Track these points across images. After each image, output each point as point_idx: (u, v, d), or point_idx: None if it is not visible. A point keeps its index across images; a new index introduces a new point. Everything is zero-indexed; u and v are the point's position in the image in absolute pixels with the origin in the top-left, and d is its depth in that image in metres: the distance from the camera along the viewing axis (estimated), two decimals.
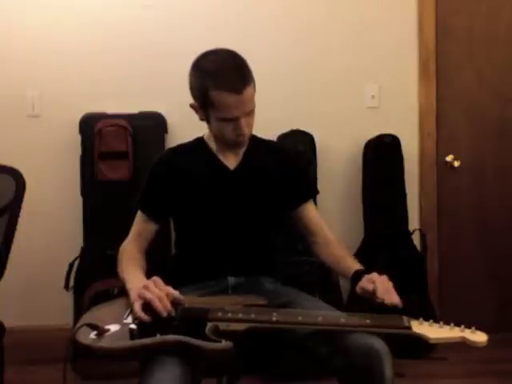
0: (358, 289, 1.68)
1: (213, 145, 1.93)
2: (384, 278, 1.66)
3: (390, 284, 1.64)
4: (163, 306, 1.54)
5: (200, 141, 1.98)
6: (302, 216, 1.96)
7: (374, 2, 3.23)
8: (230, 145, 1.87)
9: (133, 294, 1.61)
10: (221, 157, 1.92)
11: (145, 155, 2.96)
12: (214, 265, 1.88)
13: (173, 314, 1.55)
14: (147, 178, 1.95)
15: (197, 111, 1.84)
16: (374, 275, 1.67)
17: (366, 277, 1.68)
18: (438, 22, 3.22)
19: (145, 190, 1.95)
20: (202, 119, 1.86)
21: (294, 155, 2.14)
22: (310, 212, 1.97)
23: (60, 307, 3.00)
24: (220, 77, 1.73)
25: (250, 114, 1.80)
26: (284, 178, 1.95)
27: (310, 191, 2.02)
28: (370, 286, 1.63)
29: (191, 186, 1.89)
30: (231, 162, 1.92)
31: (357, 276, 1.72)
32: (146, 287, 1.58)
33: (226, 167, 1.91)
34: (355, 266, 1.79)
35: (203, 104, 1.79)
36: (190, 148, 1.98)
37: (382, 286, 1.61)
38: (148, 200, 1.94)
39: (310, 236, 1.97)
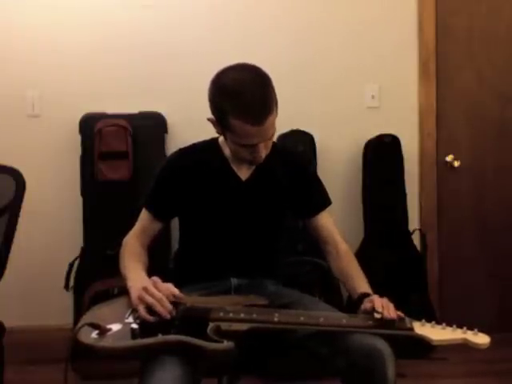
0: (360, 312, 1.67)
1: (227, 151, 1.88)
2: (384, 299, 1.66)
3: (391, 304, 1.63)
4: (165, 309, 1.55)
5: (214, 143, 1.93)
6: (315, 225, 1.96)
7: (374, 2, 3.22)
8: (244, 162, 1.85)
9: (133, 294, 1.62)
10: (234, 166, 1.89)
11: (145, 155, 2.96)
12: (217, 266, 1.88)
13: (173, 314, 1.55)
14: (156, 177, 1.92)
15: (214, 126, 1.78)
16: (374, 296, 1.68)
17: (367, 299, 1.68)
18: (438, 21, 3.22)
19: (153, 190, 1.92)
20: (218, 133, 1.82)
21: (309, 165, 2.10)
22: (323, 222, 1.95)
23: (60, 307, 2.99)
24: (241, 106, 1.64)
25: (270, 137, 1.75)
26: (297, 190, 1.94)
27: (323, 202, 1.98)
28: (368, 306, 1.63)
29: (201, 190, 1.87)
30: (244, 172, 1.89)
31: (359, 300, 1.71)
32: (145, 289, 1.58)
33: (238, 177, 1.89)
34: (361, 287, 1.77)
35: (221, 124, 1.73)
36: (203, 150, 1.94)
37: (379, 304, 1.61)
38: (155, 200, 1.92)
39: (321, 244, 1.97)
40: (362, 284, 1.79)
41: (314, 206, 1.96)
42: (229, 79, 1.70)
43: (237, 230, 1.88)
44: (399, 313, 1.60)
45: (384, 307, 1.59)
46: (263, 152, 1.76)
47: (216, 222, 1.88)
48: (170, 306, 1.56)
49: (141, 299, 1.57)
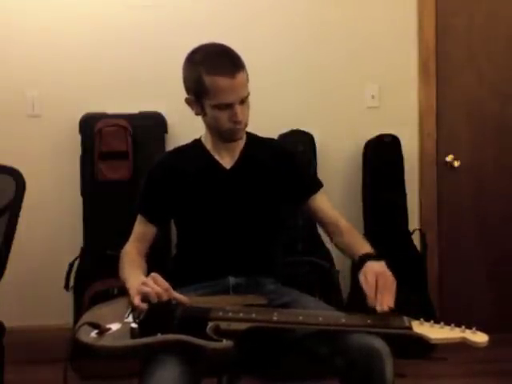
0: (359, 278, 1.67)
1: (209, 145, 1.93)
2: (379, 274, 1.63)
3: (388, 279, 1.62)
4: (159, 299, 1.56)
5: (197, 142, 1.98)
6: (311, 209, 1.96)
7: (374, 1, 3.22)
8: (226, 136, 1.86)
9: (132, 292, 1.62)
10: (217, 156, 1.92)
11: (145, 155, 2.96)
12: (214, 265, 1.88)
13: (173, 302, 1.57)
14: (145, 181, 1.96)
15: (192, 105, 1.85)
16: (369, 271, 1.65)
17: (364, 269, 1.67)
18: (438, 21, 3.22)
19: (144, 194, 1.96)
20: (197, 114, 1.86)
21: (292, 152, 2.12)
22: (319, 203, 1.96)
23: (60, 307, 2.99)
24: (212, 63, 1.76)
25: (245, 101, 1.80)
26: (284, 175, 1.94)
27: (313, 184, 2.00)
28: (364, 286, 1.62)
29: (189, 187, 1.89)
30: (227, 161, 1.92)
31: (359, 263, 1.72)
32: (144, 283, 1.59)
33: (221, 166, 1.91)
34: (361, 250, 1.78)
35: (197, 94, 1.79)
36: (188, 150, 1.99)
37: (371, 290, 1.59)
38: (147, 203, 1.94)
39: (324, 227, 1.98)
40: (362, 247, 1.80)
41: (305, 189, 1.97)
42: (198, 52, 1.84)
43: (228, 221, 1.88)
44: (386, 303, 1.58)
45: (378, 290, 1.58)
46: (241, 116, 1.79)
47: (207, 216, 1.89)
48: (165, 298, 1.57)
49: (138, 291, 1.58)
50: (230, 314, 1.56)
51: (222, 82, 1.73)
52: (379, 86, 3.24)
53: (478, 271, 3.33)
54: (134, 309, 1.59)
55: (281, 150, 2.04)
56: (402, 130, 3.17)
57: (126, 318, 1.59)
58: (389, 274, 1.65)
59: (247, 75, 1.81)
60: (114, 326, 1.55)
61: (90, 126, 2.96)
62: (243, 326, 1.53)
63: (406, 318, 1.56)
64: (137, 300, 1.56)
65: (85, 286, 2.82)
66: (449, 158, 3.29)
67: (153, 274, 1.64)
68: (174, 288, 1.62)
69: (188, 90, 1.84)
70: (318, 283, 2.86)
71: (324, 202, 1.97)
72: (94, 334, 1.51)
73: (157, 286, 1.58)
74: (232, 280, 1.85)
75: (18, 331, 2.74)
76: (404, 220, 3.15)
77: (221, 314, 1.56)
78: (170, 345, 1.47)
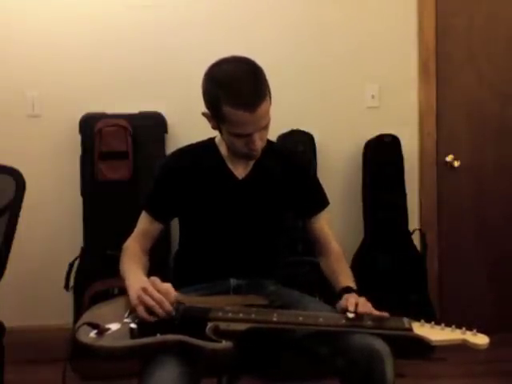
0: (337, 307, 1.68)
1: (224, 150, 1.90)
2: (362, 299, 1.65)
3: (368, 304, 1.63)
4: (164, 311, 1.55)
5: (211, 143, 1.94)
6: (312, 226, 1.96)
7: (373, 2, 3.22)
8: (240, 156, 1.84)
9: (132, 294, 1.61)
10: (230, 165, 1.89)
11: (145, 155, 2.96)
12: (216, 267, 1.88)
13: (173, 314, 1.55)
14: (155, 178, 1.93)
15: (209, 120, 1.79)
16: (350, 295, 1.67)
17: (345, 296, 1.68)
18: (438, 22, 3.22)
19: (151, 192, 1.93)
20: (214, 128, 1.81)
21: (307, 167, 2.06)
22: (321, 223, 1.96)
23: (60, 307, 2.99)
24: (233, 92, 1.65)
25: (265, 128, 1.74)
26: (294, 191, 1.93)
27: (320, 203, 1.99)
28: (343, 304, 1.64)
29: (198, 191, 1.87)
30: (240, 171, 1.90)
31: (339, 295, 1.72)
32: (144, 290, 1.57)
33: (234, 176, 1.89)
34: (343, 283, 1.77)
35: (215, 116, 1.73)
36: (200, 150, 1.94)
37: (352, 302, 1.61)
38: (155, 201, 1.92)
39: (315, 245, 1.98)
40: (345, 279, 1.79)
41: (312, 207, 1.96)
42: (221, 70, 1.71)
43: (235, 229, 1.88)
44: (384, 313, 1.60)
45: (359, 305, 1.59)
46: (259, 144, 1.74)
47: (214, 221, 1.88)
48: (169, 308, 1.55)
49: (140, 300, 1.56)
50: (230, 315, 1.56)
51: (243, 115, 1.64)
52: (379, 85, 3.23)
53: (478, 271, 3.33)
54: (134, 309, 1.58)
55: (295, 164, 1.98)
56: (402, 130, 3.17)
57: (126, 318, 1.59)
58: (369, 304, 1.64)
59: (270, 98, 1.71)
60: (114, 326, 1.54)
61: (90, 126, 2.95)
62: (243, 326, 1.53)
63: (406, 320, 1.56)
64: (141, 311, 1.55)
65: (85, 285, 2.82)
66: (449, 158, 3.28)
67: (152, 278, 1.63)
68: (175, 288, 1.62)
69: (206, 106, 1.76)
70: (318, 283, 2.86)
71: (323, 221, 1.97)
72: (93, 334, 1.51)
73: (157, 292, 1.57)
74: (233, 282, 1.85)
75: (18, 331, 2.74)
76: (404, 220, 3.15)
77: (220, 314, 1.56)
78: (170, 345, 1.47)
